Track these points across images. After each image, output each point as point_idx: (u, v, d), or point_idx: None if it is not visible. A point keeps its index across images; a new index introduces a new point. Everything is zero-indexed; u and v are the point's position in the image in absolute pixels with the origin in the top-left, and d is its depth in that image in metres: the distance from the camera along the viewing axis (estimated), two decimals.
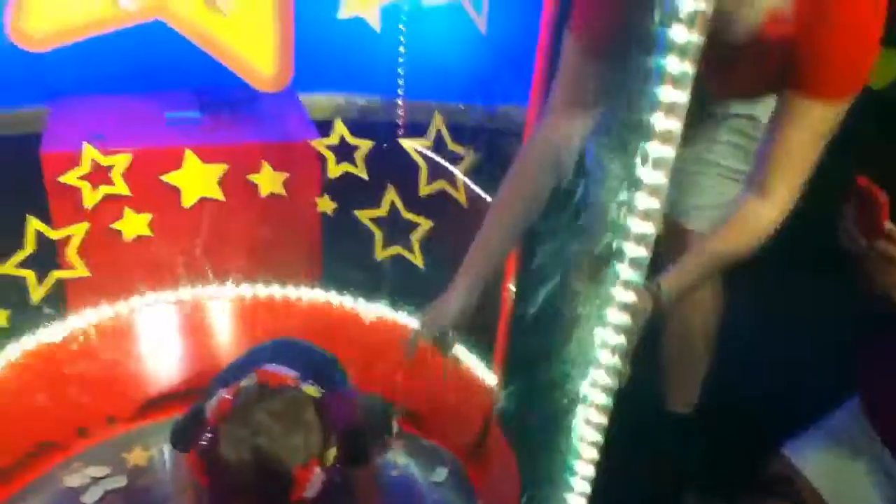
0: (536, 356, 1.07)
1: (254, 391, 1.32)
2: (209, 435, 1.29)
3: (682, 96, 0.79)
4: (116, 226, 1.95)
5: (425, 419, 1.82)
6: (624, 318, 0.92)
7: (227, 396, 1.31)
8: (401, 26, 2.10)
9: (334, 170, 2.04)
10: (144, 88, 2.40)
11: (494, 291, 1.65)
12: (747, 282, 1.61)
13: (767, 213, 1.30)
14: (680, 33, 0.76)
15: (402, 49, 2.11)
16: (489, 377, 1.79)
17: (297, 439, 1.30)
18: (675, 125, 0.81)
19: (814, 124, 1.26)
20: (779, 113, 1.28)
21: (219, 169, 2.01)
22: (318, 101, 2.66)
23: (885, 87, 2.82)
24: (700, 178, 1.59)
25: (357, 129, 2.04)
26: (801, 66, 1.22)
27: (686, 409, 1.84)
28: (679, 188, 1.57)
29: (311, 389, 1.37)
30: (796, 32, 1.19)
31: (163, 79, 2.48)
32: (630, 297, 0.90)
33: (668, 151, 0.82)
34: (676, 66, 0.78)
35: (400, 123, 2.22)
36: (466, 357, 1.80)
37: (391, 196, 2.04)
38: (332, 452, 1.35)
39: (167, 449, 1.69)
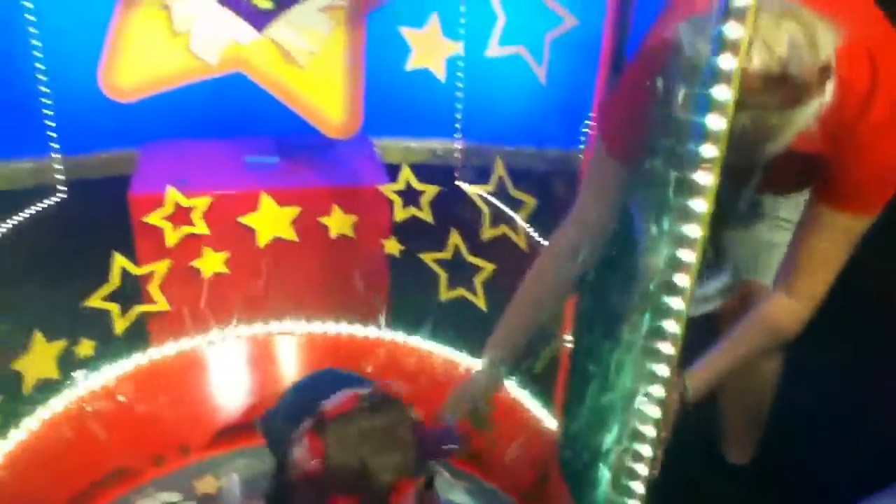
0: (589, 404, 1.10)
1: (375, 398, 1.34)
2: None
3: (704, 205, 0.83)
4: (196, 263, 2.07)
5: (486, 461, 1.84)
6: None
7: (352, 396, 1.34)
8: (459, 73, 2.19)
9: (401, 213, 2.12)
10: (227, 134, 2.54)
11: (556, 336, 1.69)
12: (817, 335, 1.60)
13: (793, 311, 1.32)
14: (708, 150, 0.80)
15: (459, 95, 2.20)
16: (551, 421, 1.80)
17: (398, 456, 1.31)
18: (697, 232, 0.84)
19: (838, 233, 1.28)
20: (806, 218, 1.32)
21: (292, 211, 2.11)
22: (390, 146, 2.76)
23: None
24: (772, 236, 1.58)
25: (424, 172, 2.12)
26: (829, 180, 1.24)
27: (742, 461, 1.81)
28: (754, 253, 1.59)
29: (415, 412, 1.38)
30: (824, 149, 1.20)
31: (244, 125, 2.63)
32: (658, 390, 0.92)
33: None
34: (703, 178, 0.81)
35: (464, 167, 2.29)
36: (528, 401, 1.83)
37: (455, 239, 2.10)
38: (423, 479, 1.36)
39: (236, 478, 1.76)
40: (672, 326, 0.90)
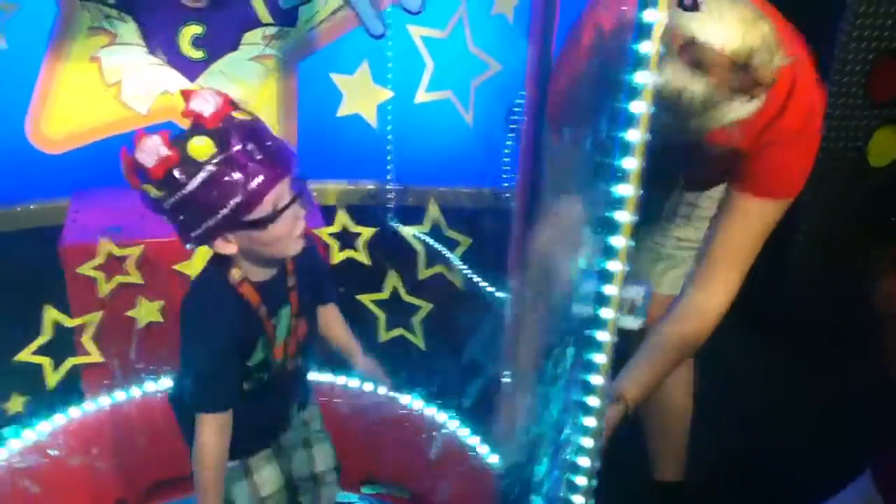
0: (522, 436, 1.13)
1: None
2: None
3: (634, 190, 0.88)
4: (131, 313, 2.05)
5: (429, 501, 1.85)
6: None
7: None
8: (389, 118, 2.25)
9: (338, 256, 2.15)
10: None
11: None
12: (755, 351, 1.66)
13: (708, 305, 1.39)
14: (633, 135, 0.85)
15: (390, 138, 2.26)
16: (492, 457, 1.83)
17: None
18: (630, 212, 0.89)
19: (754, 221, 1.37)
20: (722, 210, 1.40)
21: None
22: (326, 189, 2.79)
23: (885, 164, 2.94)
24: (660, 249, 1.68)
25: (360, 214, 2.15)
26: (747, 168, 1.34)
27: (674, 478, 1.88)
28: (645, 259, 1.67)
29: None
30: (738, 144, 1.29)
31: None
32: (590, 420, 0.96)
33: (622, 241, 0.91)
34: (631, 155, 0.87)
35: (398, 208, 2.34)
36: (470, 438, 1.85)
37: (392, 280, 2.14)
38: None
39: None
40: (600, 358, 0.94)
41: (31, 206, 2.99)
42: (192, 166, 1.20)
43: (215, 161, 1.19)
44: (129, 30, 2.08)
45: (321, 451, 1.56)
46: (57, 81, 2.06)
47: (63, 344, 1.95)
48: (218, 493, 1.36)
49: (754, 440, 2.08)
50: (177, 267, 2.08)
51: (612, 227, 0.90)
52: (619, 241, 0.91)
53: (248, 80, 2.20)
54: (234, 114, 1.25)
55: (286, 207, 1.24)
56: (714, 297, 1.38)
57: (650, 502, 1.84)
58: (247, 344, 1.34)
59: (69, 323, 1.95)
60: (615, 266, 0.92)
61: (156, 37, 2.12)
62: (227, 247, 1.26)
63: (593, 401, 0.96)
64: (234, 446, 1.36)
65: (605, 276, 0.91)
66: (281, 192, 1.23)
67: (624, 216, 0.89)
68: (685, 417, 1.83)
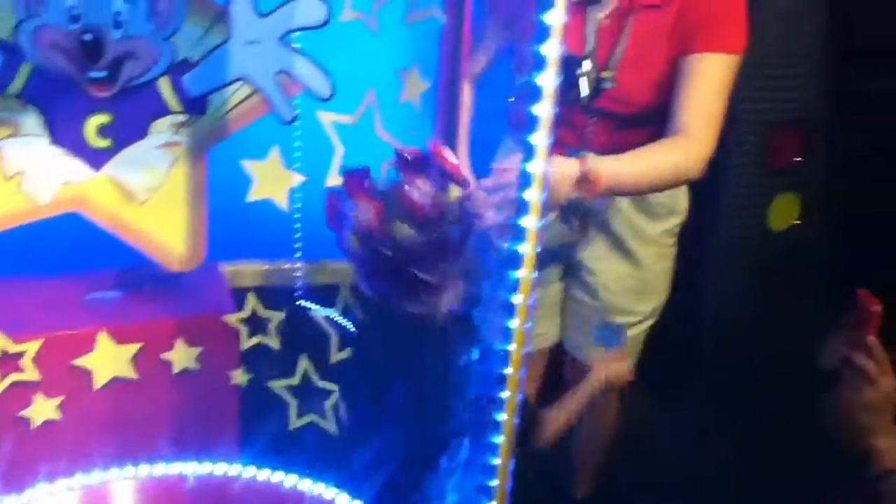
0: None
1: None
2: None
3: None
4: (25, 413, 1.95)
5: None
6: None
7: None
8: (297, 195, 2.26)
9: (247, 342, 2.11)
10: (64, 270, 2.45)
11: None
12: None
13: (687, 148, 1.60)
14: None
15: (298, 216, 2.27)
16: None
17: None
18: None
19: (713, 76, 1.65)
20: (685, 76, 1.67)
21: (131, 348, 2.05)
22: (239, 271, 2.74)
23: (783, 229, 3.11)
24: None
25: (271, 296, 2.13)
26: (693, 29, 1.66)
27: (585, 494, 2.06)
28: None
29: None
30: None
31: (83, 260, 2.54)
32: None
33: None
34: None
35: (311, 288, 2.33)
36: None
37: (304, 364, 2.10)
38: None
39: None
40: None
41: None
42: None
43: None
44: (32, 120, 2.05)
45: None
46: None
47: None
48: None
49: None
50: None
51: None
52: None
53: (156, 168, 2.17)
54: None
55: None
56: (691, 142, 1.61)
57: None
58: None
59: None
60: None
61: (60, 127, 2.09)
62: None
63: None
64: None
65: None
66: None
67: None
68: (607, 434, 2.05)
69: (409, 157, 1.52)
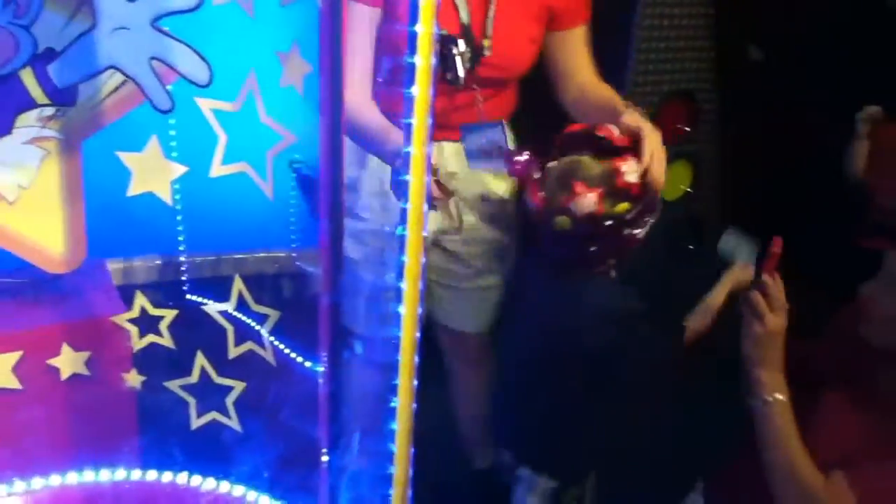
0: None
1: None
2: None
3: None
4: None
5: None
6: None
7: None
8: (177, 187, 2.17)
9: (139, 343, 2.03)
10: None
11: None
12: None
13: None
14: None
15: (179, 208, 2.19)
16: None
17: None
18: None
19: (584, 43, 2.19)
20: (569, 51, 2.18)
21: (12, 357, 1.94)
22: (123, 268, 2.63)
23: (676, 198, 3.22)
24: None
25: (162, 292, 2.06)
26: (563, 14, 2.15)
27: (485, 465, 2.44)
28: None
29: None
30: None
31: None
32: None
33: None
34: None
35: (202, 281, 2.26)
36: None
37: (201, 362, 2.05)
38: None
39: None
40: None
41: None
42: None
43: None
44: None
45: None
46: None
47: None
48: None
49: None
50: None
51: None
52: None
53: (25, 165, 2.05)
54: None
55: None
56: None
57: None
58: None
59: None
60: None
61: None
62: None
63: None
64: None
65: None
66: None
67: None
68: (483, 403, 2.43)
69: (579, 135, 1.79)
